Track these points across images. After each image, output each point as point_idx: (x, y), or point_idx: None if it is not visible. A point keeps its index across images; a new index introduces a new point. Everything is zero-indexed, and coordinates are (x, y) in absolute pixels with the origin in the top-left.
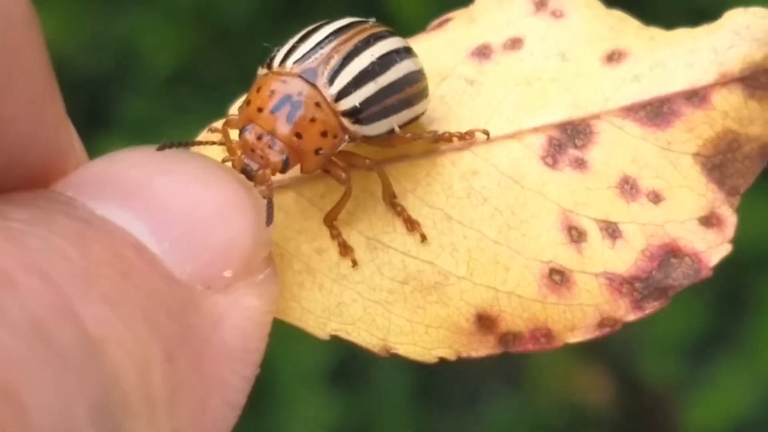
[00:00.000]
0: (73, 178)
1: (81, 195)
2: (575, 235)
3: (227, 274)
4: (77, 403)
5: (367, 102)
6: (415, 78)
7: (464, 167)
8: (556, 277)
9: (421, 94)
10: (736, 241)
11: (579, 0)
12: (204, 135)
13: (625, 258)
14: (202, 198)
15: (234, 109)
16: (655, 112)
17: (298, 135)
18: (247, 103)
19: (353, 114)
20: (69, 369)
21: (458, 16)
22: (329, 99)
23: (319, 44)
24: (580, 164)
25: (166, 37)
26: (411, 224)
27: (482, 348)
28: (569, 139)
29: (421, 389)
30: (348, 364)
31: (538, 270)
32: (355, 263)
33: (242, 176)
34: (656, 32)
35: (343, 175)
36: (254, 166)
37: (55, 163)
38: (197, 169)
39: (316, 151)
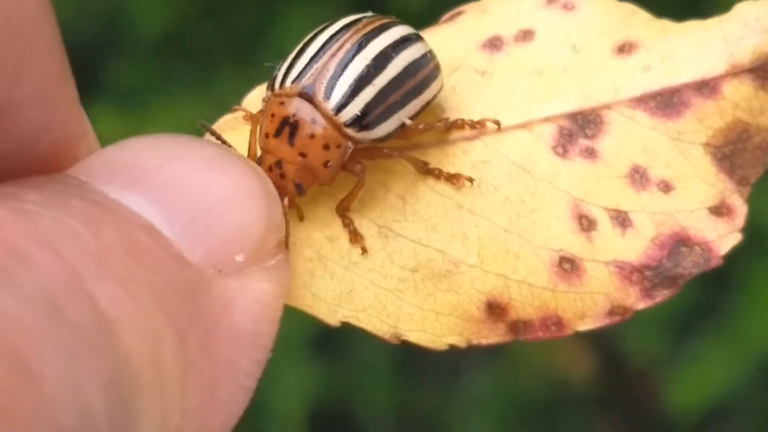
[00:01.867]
0: (85, 163)
1: (93, 179)
2: (585, 223)
3: (239, 258)
4: (90, 377)
5: (368, 107)
6: (417, 65)
7: (475, 156)
8: (567, 266)
9: (429, 79)
10: None
11: None
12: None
13: (635, 246)
14: (214, 183)
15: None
16: (666, 102)
17: (302, 154)
18: (261, 129)
19: (357, 122)
20: (82, 343)
21: (470, 8)
22: (329, 113)
23: (314, 57)
24: (590, 154)
25: (154, 4)
26: (456, 179)
27: (492, 335)
28: (580, 128)
29: (404, 360)
30: (330, 335)
31: (549, 258)
32: (365, 251)
33: (254, 163)
34: (667, 24)
35: (358, 167)
36: None
37: (67, 149)
38: (209, 154)
39: (325, 164)
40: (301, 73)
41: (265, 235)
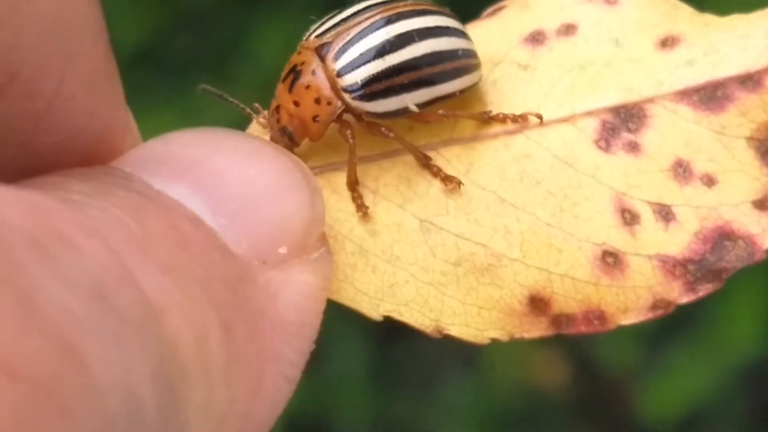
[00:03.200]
0: (130, 156)
1: (138, 171)
2: (628, 217)
3: (282, 250)
4: (137, 364)
5: (371, 79)
6: (440, 57)
7: (517, 150)
8: (609, 260)
9: (451, 74)
10: None
11: None
12: None
13: (678, 240)
14: (257, 174)
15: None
16: (709, 96)
17: (296, 103)
18: None
19: (355, 90)
20: (128, 330)
21: (512, 3)
22: (333, 74)
23: (346, 19)
24: (633, 148)
25: (129, 17)
26: (449, 180)
27: (535, 329)
28: (622, 122)
29: (379, 371)
30: None
31: (591, 252)
32: (366, 216)
33: (296, 156)
34: (710, 18)
35: (348, 132)
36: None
37: (111, 142)
38: (252, 147)
39: (314, 118)
40: (327, 30)
41: (309, 227)
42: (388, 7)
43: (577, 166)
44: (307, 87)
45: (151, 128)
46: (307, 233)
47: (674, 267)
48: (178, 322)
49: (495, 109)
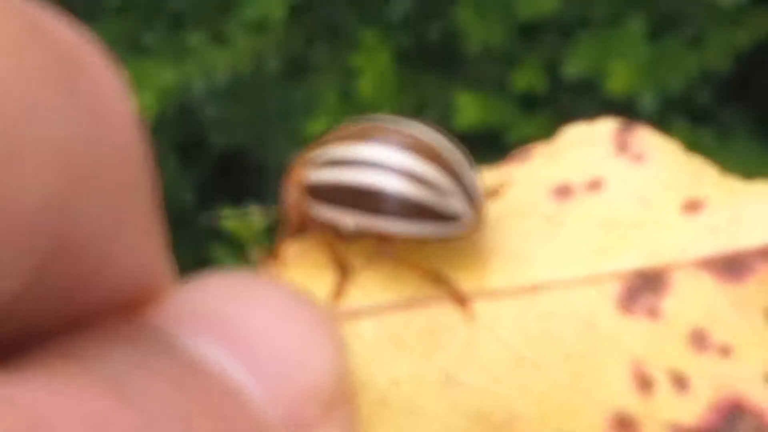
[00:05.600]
0: (170, 310)
1: (179, 331)
2: (645, 384)
3: (311, 413)
4: None
5: (316, 182)
6: (380, 196)
7: (542, 308)
8: (623, 426)
9: (394, 215)
10: None
11: (660, 145)
12: None
13: (691, 410)
14: (294, 333)
15: None
16: (730, 266)
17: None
18: None
19: (306, 183)
20: None
21: (540, 149)
22: (308, 160)
23: (368, 120)
24: (654, 314)
25: None
26: (462, 303)
27: None
28: (645, 287)
29: None
30: None
31: (606, 417)
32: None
33: (322, 307)
34: (735, 184)
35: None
36: None
37: (148, 288)
38: (286, 301)
39: (285, 195)
40: (356, 123)
41: (336, 386)
42: (394, 130)
43: (598, 329)
44: (293, 165)
45: (147, 82)
46: (334, 393)
47: None
48: None
49: (518, 263)
